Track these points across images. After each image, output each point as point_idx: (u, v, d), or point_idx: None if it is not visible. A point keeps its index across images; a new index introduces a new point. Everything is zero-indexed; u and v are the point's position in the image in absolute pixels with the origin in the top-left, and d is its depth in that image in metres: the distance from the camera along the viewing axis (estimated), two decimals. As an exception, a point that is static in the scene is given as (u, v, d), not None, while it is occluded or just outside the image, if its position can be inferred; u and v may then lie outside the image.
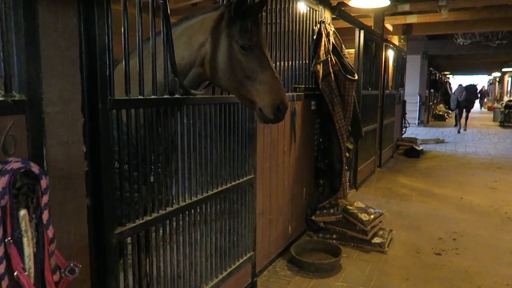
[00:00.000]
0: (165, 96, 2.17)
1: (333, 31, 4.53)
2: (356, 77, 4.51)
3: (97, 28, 1.73)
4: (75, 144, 1.75)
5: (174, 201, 2.35)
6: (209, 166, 2.63)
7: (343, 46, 4.58)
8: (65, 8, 1.66)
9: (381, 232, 4.26)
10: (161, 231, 2.22)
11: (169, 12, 2.15)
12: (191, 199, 2.46)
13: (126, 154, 2.00)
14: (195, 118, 2.46)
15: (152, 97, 2.10)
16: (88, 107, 1.76)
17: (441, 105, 22.65)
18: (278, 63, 3.71)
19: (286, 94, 3.83)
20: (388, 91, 8.45)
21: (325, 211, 4.34)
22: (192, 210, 2.49)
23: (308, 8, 4.32)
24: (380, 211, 4.41)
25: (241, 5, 2.15)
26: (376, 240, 4.10)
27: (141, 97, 2.03)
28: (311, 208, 4.47)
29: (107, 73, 1.80)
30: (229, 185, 2.86)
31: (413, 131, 13.74)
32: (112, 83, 1.84)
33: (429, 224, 5.01)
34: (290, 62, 3.99)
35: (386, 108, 8.39)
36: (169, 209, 2.28)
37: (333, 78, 4.37)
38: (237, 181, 2.96)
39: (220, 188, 2.76)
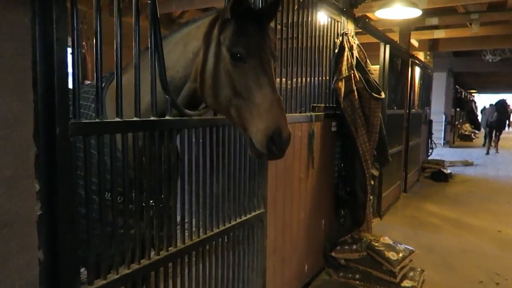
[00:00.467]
0: (150, 118, 1.75)
1: (357, 45, 4.09)
2: (383, 96, 4.03)
3: (55, 31, 1.33)
4: (24, 181, 1.35)
5: (163, 246, 1.90)
6: (208, 201, 2.19)
7: (368, 61, 4.12)
8: (11, 3, 1.27)
9: (411, 274, 3.70)
10: None
11: (158, 13, 1.75)
12: (184, 244, 2.01)
13: (97, 190, 1.58)
14: (191, 143, 2.03)
15: (134, 119, 1.68)
16: (44, 133, 1.36)
17: (467, 124, 21.73)
18: (294, 80, 3.28)
19: (303, 115, 3.42)
20: (414, 110, 7.90)
21: (346, 247, 3.81)
22: (186, 257, 2.04)
23: (329, 20, 3.90)
24: (411, 248, 3.85)
25: (239, 3, 1.73)
26: (407, 283, 3.54)
27: (118, 119, 1.61)
28: (331, 242, 3.95)
29: (69, 88, 1.39)
30: (233, 222, 2.40)
31: (438, 151, 13.01)
32: (76, 102, 1.44)
33: (465, 263, 4.41)
34: (308, 79, 3.55)
35: (412, 128, 7.84)
36: (155, 257, 1.83)
37: (356, 97, 3.90)
38: (244, 218, 2.50)
39: (222, 227, 2.30)
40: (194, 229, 2.10)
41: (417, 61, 7.98)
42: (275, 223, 2.98)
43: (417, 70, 8.11)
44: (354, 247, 3.78)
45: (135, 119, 1.69)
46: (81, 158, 1.50)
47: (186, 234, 2.07)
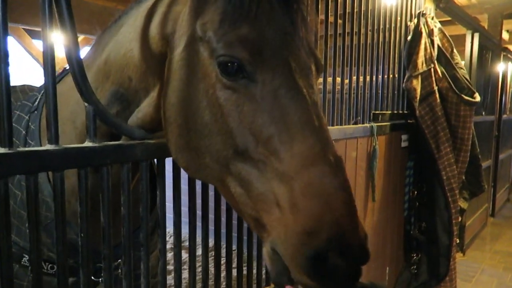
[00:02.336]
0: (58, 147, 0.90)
1: (439, 29, 2.98)
2: (478, 99, 2.88)
3: None
4: None
5: None
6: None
7: (455, 50, 2.99)
8: None
9: None
10: None
11: None
12: None
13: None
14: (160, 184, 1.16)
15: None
16: None
17: None
18: (347, 81, 2.28)
19: (360, 127, 2.30)
20: (506, 115, 6.44)
21: (421, 310, 2.72)
22: None
23: (400, -4, 2.85)
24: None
25: None
26: None
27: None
28: (398, 300, 2.88)
29: None
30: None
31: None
32: None
33: None
34: (367, 78, 2.53)
35: (504, 137, 6.38)
36: None
37: (438, 100, 2.82)
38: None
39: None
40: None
41: (510, 56, 6.48)
42: None
43: (510, 66, 6.62)
44: (433, 312, 2.68)
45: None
46: None
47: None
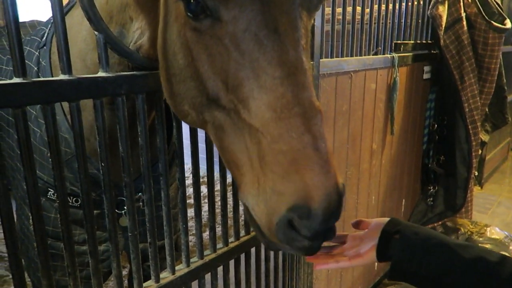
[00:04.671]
0: (52, 78, 0.89)
1: None
2: (509, 26, 2.69)
3: None
4: None
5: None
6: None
7: (487, -29, 2.75)
8: None
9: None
10: None
11: None
12: (188, 266, 1.24)
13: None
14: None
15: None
16: None
17: None
18: (366, 10, 2.15)
19: (380, 57, 2.20)
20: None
21: (435, 240, 2.78)
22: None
23: None
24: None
25: None
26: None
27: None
28: (413, 230, 2.94)
29: None
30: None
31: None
32: None
33: None
34: (389, 5, 2.38)
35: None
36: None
37: (465, 28, 2.64)
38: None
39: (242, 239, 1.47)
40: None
41: (548, -22, 5.94)
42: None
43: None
44: (447, 241, 2.74)
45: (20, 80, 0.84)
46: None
47: (184, 257, 1.28)
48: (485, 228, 2.83)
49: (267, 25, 0.74)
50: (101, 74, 0.96)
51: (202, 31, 0.77)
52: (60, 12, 0.87)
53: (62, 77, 0.89)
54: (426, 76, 2.83)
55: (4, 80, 1.52)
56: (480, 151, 3.10)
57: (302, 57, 0.77)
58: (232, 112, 0.78)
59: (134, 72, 1.03)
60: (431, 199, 3.09)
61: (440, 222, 2.93)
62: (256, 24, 0.73)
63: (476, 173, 3.08)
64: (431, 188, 3.06)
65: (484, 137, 3.13)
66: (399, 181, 2.82)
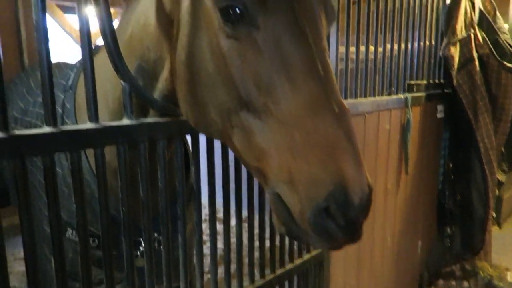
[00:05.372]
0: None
1: (481, -10, 2.80)
2: (522, 66, 2.71)
3: None
4: None
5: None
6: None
7: (497, 13, 2.81)
8: None
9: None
10: None
11: None
12: None
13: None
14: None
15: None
16: None
17: None
18: (379, 49, 2.20)
19: (393, 98, 2.24)
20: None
21: (453, 283, 2.72)
22: None
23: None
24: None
25: None
26: None
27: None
28: (431, 272, 2.87)
29: None
30: (271, 276, 1.54)
31: None
32: None
33: None
34: (401, 45, 2.44)
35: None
36: None
37: (477, 68, 2.68)
38: (291, 266, 1.62)
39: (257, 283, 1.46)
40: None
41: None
42: (345, 260, 2.04)
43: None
44: (466, 284, 2.66)
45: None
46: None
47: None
48: (505, 271, 2.74)
49: (299, 33, 0.82)
50: (125, 121, 1.01)
51: (238, 38, 0.84)
52: (90, 66, 0.92)
53: (89, 125, 0.94)
54: (439, 115, 2.84)
55: (29, 119, 1.59)
56: (497, 191, 3.05)
57: (329, 62, 0.86)
58: (263, 112, 0.83)
59: (157, 119, 1.07)
60: (448, 240, 3.02)
61: (458, 264, 2.85)
62: (290, 31, 0.82)
63: (494, 214, 3.01)
64: (448, 228, 3.00)
65: (501, 176, 3.09)
66: (414, 222, 2.78)
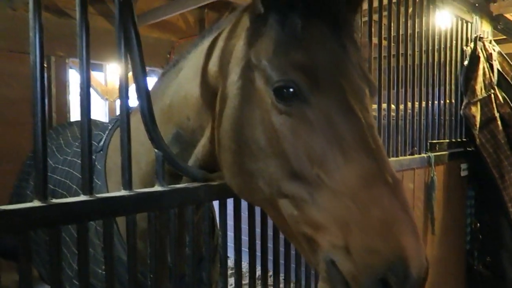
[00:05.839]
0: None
1: (498, 52, 2.86)
2: (545, 125, 2.69)
3: None
4: None
5: None
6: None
7: (517, 74, 2.84)
8: None
9: None
10: None
11: (134, 9, 0.99)
12: None
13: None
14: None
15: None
16: None
17: None
18: (401, 106, 2.24)
19: (416, 157, 2.23)
20: None
21: None
22: None
23: (455, 20, 2.78)
24: None
25: None
26: None
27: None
28: None
29: None
30: None
31: None
32: None
33: None
34: (422, 103, 2.47)
35: None
36: None
37: (500, 127, 2.68)
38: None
39: None
40: None
41: None
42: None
43: None
44: None
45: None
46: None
47: None
48: None
49: (349, 109, 0.87)
50: (157, 188, 1.03)
51: (291, 114, 0.88)
52: (127, 138, 0.96)
53: (123, 192, 0.96)
54: (463, 173, 2.80)
55: (58, 177, 1.63)
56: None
57: (377, 136, 0.88)
58: (317, 184, 0.83)
59: (187, 185, 1.09)
60: (480, 304, 2.84)
61: (492, 333, 2.66)
62: (340, 107, 0.86)
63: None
64: (479, 292, 2.83)
65: (532, 238, 2.95)
66: (443, 284, 2.64)
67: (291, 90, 0.87)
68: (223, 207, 1.19)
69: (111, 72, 5.14)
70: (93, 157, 1.47)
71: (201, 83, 1.09)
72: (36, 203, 0.81)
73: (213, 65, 1.08)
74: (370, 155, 0.83)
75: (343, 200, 0.79)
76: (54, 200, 0.84)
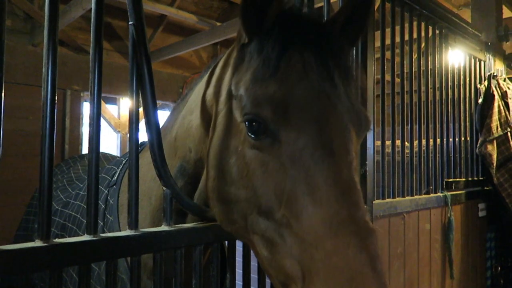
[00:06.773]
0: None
1: (513, 90, 2.82)
2: None
3: None
4: None
5: None
6: None
7: (533, 112, 2.79)
8: None
9: None
10: None
11: (148, 46, 0.99)
12: None
13: None
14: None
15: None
16: None
17: None
18: (414, 143, 2.19)
19: (432, 197, 2.15)
20: None
21: None
22: None
23: (468, 58, 2.78)
24: None
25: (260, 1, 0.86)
26: None
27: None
28: None
29: None
30: None
31: None
32: None
33: None
34: (437, 140, 2.42)
35: None
36: None
37: (518, 166, 2.58)
38: None
39: None
40: None
41: None
42: None
43: None
44: None
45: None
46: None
47: None
48: None
49: (322, 146, 0.79)
50: (164, 228, 0.99)
51: (261, 149, 0.83)
52: (135, 176, 0.94)
53: (128, 232, 0.92)
54: (481, 213, 2.70)
55: (69, 212, 1.60)
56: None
57: (354, 177, 0.80)
58: (284, 225, 0.78)
59: (195, 225, 1.05)
60: None
61: None
62: (312, 145, 0.79)
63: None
64: None
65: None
66: (464, 333, 2.49)
67: (260, 123, 0.82)
68: (232, 249, 1.14)
69: (125, 106, 5.23)
70: (106, 191, 1.44)
71: (201, 112, 1.07)
72: (37, 243, 0.78)
73: (209, 93, 1.06)
74: (340, 199, 0.75)
75: (308, 248, 0.73)
76: (56, 240, 0.81)
